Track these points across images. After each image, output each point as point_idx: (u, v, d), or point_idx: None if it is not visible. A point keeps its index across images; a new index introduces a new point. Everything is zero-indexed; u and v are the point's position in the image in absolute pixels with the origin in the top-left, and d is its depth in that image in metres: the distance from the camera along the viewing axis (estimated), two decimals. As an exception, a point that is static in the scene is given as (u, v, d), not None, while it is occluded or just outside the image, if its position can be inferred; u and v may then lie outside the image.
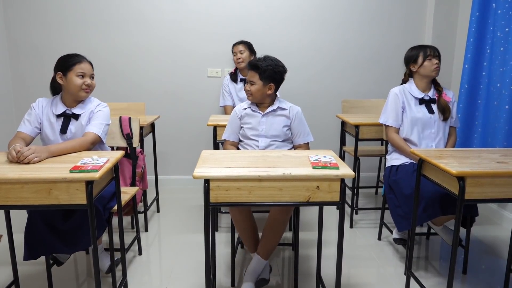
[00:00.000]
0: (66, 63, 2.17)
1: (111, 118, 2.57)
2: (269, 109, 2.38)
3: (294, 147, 2.44)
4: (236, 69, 3.63)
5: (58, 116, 2.20)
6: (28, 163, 1.85)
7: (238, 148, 2.48)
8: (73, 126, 2.21)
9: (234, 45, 3.60)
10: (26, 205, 1.74)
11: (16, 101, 3.87)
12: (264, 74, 2.31)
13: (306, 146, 2.43)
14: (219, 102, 3.75)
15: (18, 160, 1.85)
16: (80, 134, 2.20)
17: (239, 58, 3.51)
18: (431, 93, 2.61)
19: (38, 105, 2.23)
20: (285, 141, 2.40)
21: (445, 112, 2.56)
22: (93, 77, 2.24)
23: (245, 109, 2.43)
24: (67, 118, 2.21)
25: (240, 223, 2.26)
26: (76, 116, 2.22)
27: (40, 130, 2.22)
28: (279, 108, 2.39)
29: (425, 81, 2.60)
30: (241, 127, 2.43)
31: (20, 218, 2.24)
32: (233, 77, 3.61)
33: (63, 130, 2.19)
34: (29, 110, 2.23)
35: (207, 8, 3.80)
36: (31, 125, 2.20)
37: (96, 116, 2.24)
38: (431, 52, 2.54)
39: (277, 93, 2.46)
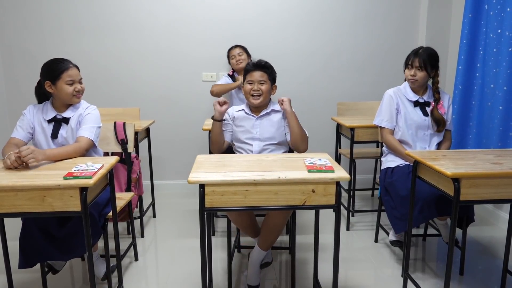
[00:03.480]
0: (54, 72, 2.14)
1: (106, 124, 2.57)
2: (263, 112, 2.39)
3: (291, 143, 2.39)
4: (233, 71, 3.63)
5: (49, 121, 2.21)
6: (26, 165, 1.86)
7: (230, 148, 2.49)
8: (64, 130, 2.21)
9: (231, 49, 3.60)
10: (20, 213, 1.74)
11: (9, 107, 3.85)
12: (271, 74, 2.38)
13: None
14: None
15: (16, 163, 1.86)
16: (71, 138, 2.20)
17: (239, 60, 3.51)
18: (426, 96, 2.61)
19: (29, 111, 2.23)
20: (279, 144, 2.40)
21: (439, 124, 2.55)
22: (81, 81, 2.23)
23: (238, 111, 2.43)
24: (57, 123, 2.21)
25: (239, 222, 2.28)
26: (67, 120, 2.21)
27: (32, 136, 2.22)
28: (273, 110, 2.40)
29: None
30: (234, 128, 2.43)
31: (14, 226, 2.23)
32: (232, 78, 3.60)
33: (54, 135, 2.19)
34: (21, 116, 2.23)
35: (201, 13, 3.80)
36: (23, 131, 2.19)
37: (86, 120, 2.22)
38: (411, 61, 2.53)
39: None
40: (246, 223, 2.29)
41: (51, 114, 2.22)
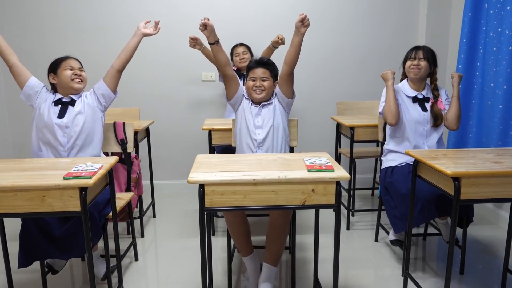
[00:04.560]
0: (55, 64, 2.33)
1: (105, 124, 2.58)
2: (266, 102, 2.41)
3: (288, 55, 2.35)
4: (235, 69, 3.62)
5: (55, 104, 2.29)
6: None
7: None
8: (69, 112, 2.28)
9: (235, 46, 3.59)
10: (20, 213, 1.73)
11: (9, 107, 3.85)
12: (273, 71, 2.40)
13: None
14: (214, 105, 3.72)
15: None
16: (76, 120, 2.28)
17: (243, 58, 3.51)
18: (425, 92, 2.62)
19: (46, 88, 2.37)
20: (278, 128, 2.40)
21: (437, 119, 2.56)
22: (82, 70, 2.37)
23: (246, 98, 2.45)
24: (64, 106, 2.29)
25: (233, 226, 2.25)
26: (72, 103, 2.31)
27: (37, 98, 2.31)
28: (273, 101, 2.43)
29: (415, 81, 2.61)
30: (239, 111, 2.46)
31: (14, 226, 2.22)
32: (237, 72, 3.60)
33: (61, 115, 2.27)
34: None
35: (200, 12, 3.78)
36: (36, 81, 2.34)
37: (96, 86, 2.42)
38: (414, 54, 2.57)
39: None
40: (241, 227, 2.25)
41: (58, 97, 2.33)
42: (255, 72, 2.37)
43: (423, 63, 2.54)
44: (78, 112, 2.29)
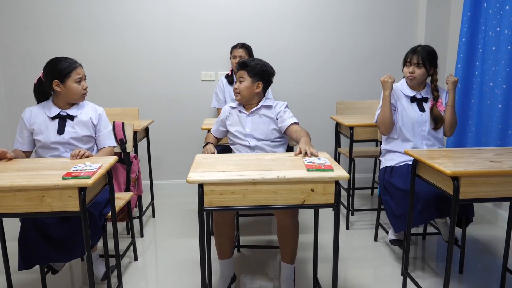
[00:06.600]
0: (63, 71, 2.18)
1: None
2: (254, 108, 2.38)
3: (287, 133, 2.34)
4: (232, 70, 3.61)
5: (53, 118, 2.23)
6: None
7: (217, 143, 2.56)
8: (69, 126, 2.24)
9: (234, 47, 3.53)
10: (19, 213, 1.73)
11: (8, 107, 3.85)
12: (253, 71, 2.34)
13: (298, 126, 2.32)
14: (211, 103, 3.72)
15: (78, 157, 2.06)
16: (78, 134, 2.23)
17: (237, 62, 3.48)
18: (424, 92, 2.61)
19: (26, 115, 2.26)
20: (276, 141, 2.38)
21: (437, 122, 2.55)
22: (85, 78, 2.30)
23: (233, 108, 2.44)
24: (62, 120, 2.23)
25: (221, 227, 2.23)
26: (72, 117, 2.25)
27: (33, 136, 2.25)
28: (263, 106, 2.38)
29: (413, 84, 2.61)
30: (226, 126, 2.46)
31: (13, 226, 2.22)
32: (229, 78, 3.57)
33: (61, 130, 2.22)
34: (19, 121, 2.27)
35: (199, 12, 3.79)
36: (22, 138, 2.25)
37: (104, 126, 2.36)
38: (410, 59, 2.54)
39: (268, 95, 2.45)
40: (228, 228, 2.24)
41: (55, 111, 2.25)
42: (237, 75, 2.39)
43: (418, 71, 2.51)
44: (80, 129, 2.27)
